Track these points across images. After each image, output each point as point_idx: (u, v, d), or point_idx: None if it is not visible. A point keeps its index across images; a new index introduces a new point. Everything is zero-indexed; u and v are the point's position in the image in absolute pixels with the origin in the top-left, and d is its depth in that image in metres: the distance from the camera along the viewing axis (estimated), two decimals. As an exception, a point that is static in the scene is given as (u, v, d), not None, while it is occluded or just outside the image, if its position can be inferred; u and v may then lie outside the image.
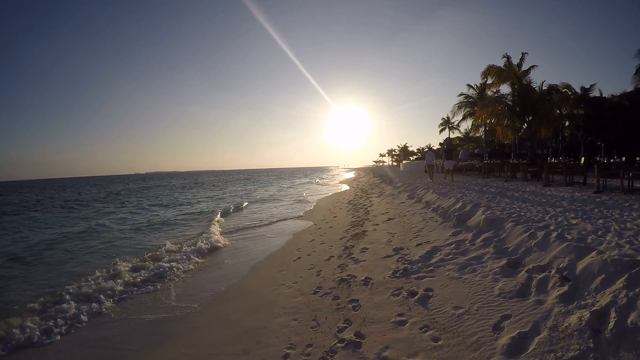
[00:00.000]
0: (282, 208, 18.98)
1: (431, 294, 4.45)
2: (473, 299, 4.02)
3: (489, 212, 7.75)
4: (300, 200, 23.04)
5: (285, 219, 14.59)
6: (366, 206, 14.40)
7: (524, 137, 20.94)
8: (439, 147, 78.76)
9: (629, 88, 28.47)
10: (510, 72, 27.99)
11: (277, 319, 4.58)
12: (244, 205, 21.10)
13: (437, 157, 32.14)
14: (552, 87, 24.21)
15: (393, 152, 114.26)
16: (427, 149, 69.00)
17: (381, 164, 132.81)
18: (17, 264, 9.59)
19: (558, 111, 20.36)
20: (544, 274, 4.11)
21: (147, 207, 24.26)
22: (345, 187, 32.47)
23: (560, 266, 4.11)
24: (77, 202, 31.97)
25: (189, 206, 23.08)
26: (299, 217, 14.61)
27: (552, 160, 17.96)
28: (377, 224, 10.00)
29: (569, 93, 25.47)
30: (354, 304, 4.56)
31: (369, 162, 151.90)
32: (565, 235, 5.06)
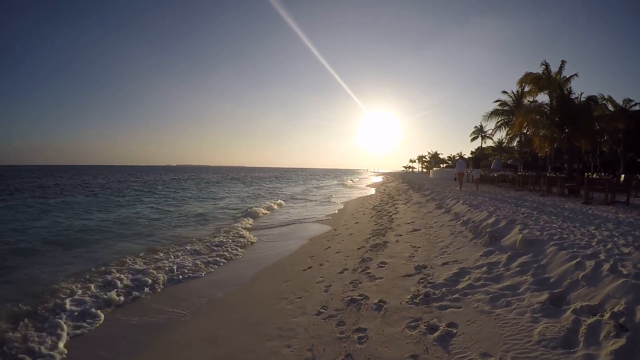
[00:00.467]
0: (305, 209, 18.54)
1: (455, 331, 3.76)
2: (506, 345, 3.33)
3: (526, 231, 7.04)
4: (325, 202, 22.65)
5: (305, 221, 14.13)
6: (391, 213, 13.76)
7: (561, 150, 19.79)
8: (470, 155, 77.25)
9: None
10: (548, 80, 26.92)
11: (268, 342, 4.05)
12: (269, 204, 20.73)
13: (467, 165, 30.98)
14: (591, 99, 22.82)
15: (423, 159, 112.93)
16: (458, 157, 67.62)
17: (411, 169, 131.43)
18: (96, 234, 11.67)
19: (597, 124, 19.08)
20: (594, 317, 3.42)
21: (180, 198, 25.92)
22: (372, 191, 31.91)
23: (616, 310, 3.42)
24: (116, 190, 33.12)
25: (219, 201, 23.44)
26: (319, 221, 14.08)
27: (593, 176, 16.99)
28: (401, 235, 9.37)
29: (610, 105, 24.15)
30: (360, 335, 3.94)
31: (398, 167, 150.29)
32: (620, 269, 4.31)
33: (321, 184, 48.61)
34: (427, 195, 18.66)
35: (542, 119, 18.35)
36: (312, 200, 23.96)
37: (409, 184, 32.31)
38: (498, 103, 31.61)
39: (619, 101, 25.11)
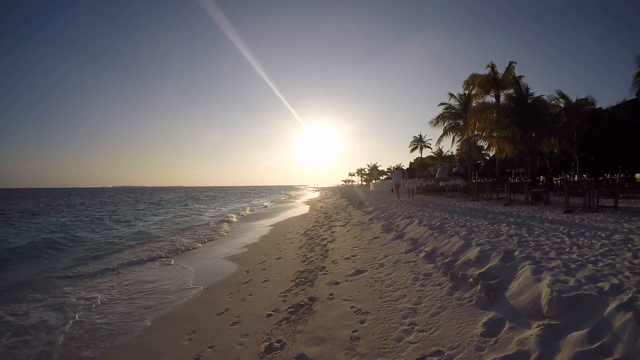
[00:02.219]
0: (220, 237, 14.71)
1: None
2: None
3: (548, 277, 4.07)
4: (251, 225, 19.00)
5: (211, 256, 10.57)
6: (326, 241, 10.58)
7: (522, 152, 17.52)
8: (409, 166, 76.57)
9: (622, 100, 26.27)
10: (495, 81, 25.20)
11: None
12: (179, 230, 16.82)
13: (403, 176, 28.72)
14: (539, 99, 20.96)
15: (363, 172, 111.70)
16: (395, 169, 66.63)
17: (350, 183, 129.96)
18: None
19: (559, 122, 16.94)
20: None
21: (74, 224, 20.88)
22: (308, 208, 28.59)
23: None
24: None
25: (109, 231, 18.36)
26: (229, 257, 10.41)
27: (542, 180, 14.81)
28: (337, 282, 6.18)
29: (563, 104, 22.53)
30: None
31: (338, 181, 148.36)
32: None
33: (255, 202, 44.78)
34: (371, 212, 15.69)
35: (502, 119, 15.96)
36: (234, 222, 20.34)
37: (349, 199, 29.34)
38: (444, 107, 29.47)
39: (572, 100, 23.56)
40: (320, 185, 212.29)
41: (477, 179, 18.22)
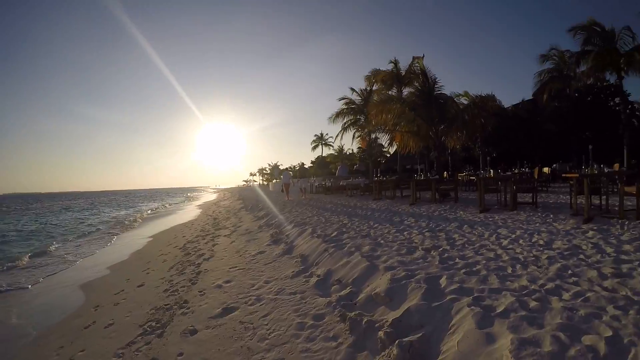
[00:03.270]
0: (82, 258, 11.82)
1: None
2: None
3: (509, 334, 2.49)
4: (129, 236, 16.11)
5: (61, 284, 7.98)
6: (203, 258, 8.48)
7: (427, 147, 16.60)
8: (311, 165, 76.13)
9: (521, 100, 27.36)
10: (398, 76, 24.49)
11: None
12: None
13: (293, 176, 28.14)
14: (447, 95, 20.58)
15: (264, 171, 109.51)
16: (283, 170, 66.12)
17: (251, 183, 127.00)
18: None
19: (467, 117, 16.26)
20: None
21: None
22: (200, 212, 25.99)
23: None
24: None
25: None
26: (82, 286, 7.77)
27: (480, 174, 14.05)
28: (195, 330, 4.22)
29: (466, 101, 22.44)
30: None
31: (240, 181, 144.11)
32: None
33: (149, 207, 40.80)
34: (261, 217, 13.81)
35: (407, 112, 14.83)
36: (109, 235, 17.28)
37: (244, 202, 27.06)
38: (344, 101, 28.25)
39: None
40: (222, 187, 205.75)
41: (379, 176, 17.09)
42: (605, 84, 24.32)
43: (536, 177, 9.62)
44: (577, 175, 7.82)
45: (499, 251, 5.04)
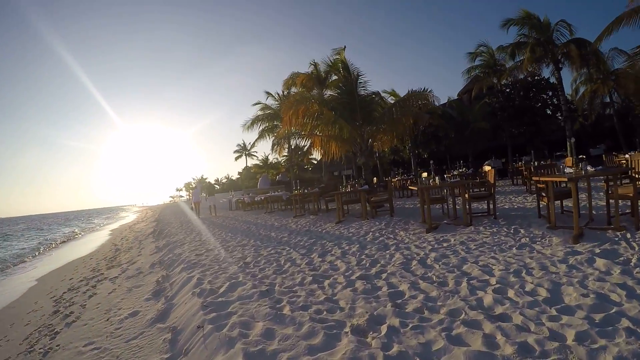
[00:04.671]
0: None
1: None
2: None
3: None
4: (11, 281, 12.65)
5: None
6: (67, 319, 5.85)
7: (352, 152, 14.34)
8: (238, 176, 73.07)
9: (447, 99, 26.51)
10: (318, 79, 22.39)
11: None
12: None
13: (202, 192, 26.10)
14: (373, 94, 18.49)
15: (190, 185, 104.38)
16: (195, 186, 63.33)
17: (178, 198, 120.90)
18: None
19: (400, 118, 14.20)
20: None
21: None
22: (109, 238, 22.82)
23: None
24: None
25: None
26: None
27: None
28: None
29: (394, 99, 20.77)
30: None
31: (167, 197, 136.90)
32: None
33: (55, 235, 35.92)
34: (161, 249, 11.09)
35: (327, 112, 12.45)
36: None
37: (158, 224, 23.75)
38: (259, 107, 25.57)
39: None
40: (149, 204, 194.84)
41: (299, 189, 14.71)
42: (537, 77, 23.72)
43: (491, 179, 7.59)
44: (553, 176, 5.90)
45: (489, 325, 2.80)
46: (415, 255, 5.43)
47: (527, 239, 5.59)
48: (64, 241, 27.95)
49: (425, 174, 14.19)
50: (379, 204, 10.71)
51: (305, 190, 14.38)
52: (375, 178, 20.07)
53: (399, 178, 17.60)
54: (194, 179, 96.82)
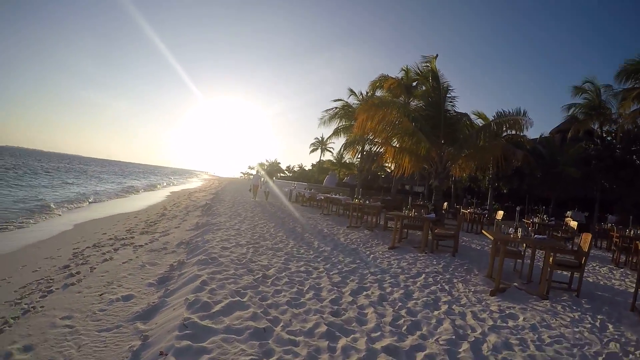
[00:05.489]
0: None
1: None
2: None
3: None
4: (65, 222, 13.04)
5: None
6: (68, 279, 5.47)
7: (427, 170, 12.87)
8: (311, 168, 72.80)
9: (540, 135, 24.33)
10: (403, 86, 21.00)
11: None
12: None
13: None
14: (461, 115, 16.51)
15: (264, 167, 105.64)
16: (255, 172, 64.00)
17: (249, 176, 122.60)
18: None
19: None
20: None
21: None
22: (164, 200, 24.66)
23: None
24: None
25: None
26: None
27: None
28: None
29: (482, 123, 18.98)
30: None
31: (239, 172, 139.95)
32: None
33: (128, 184, 38.22)
34: (199, 227, 10.44)
35: (407, 122, 11.05)
36: (47, 213, 14.11)
37: (215, 197, 23.54)
38: (340, 103, 24.56)
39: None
40: (219, 175, 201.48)
41: (360, 198, 13.48)
42: None
43: (586, 247, 6.06)
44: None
45: None
46: (469, 332, 4.10)
47: (618, 344, 4.12)
48: (126, 192, 29.27)
49: (500, 214, 12.52)
50: (441, 238, 9.28)
51: (367, 202, 13.16)
52: (446, 203, 18.41)
53: (471, 210, 15.82)
54: (267, 161, 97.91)
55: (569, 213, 21.53)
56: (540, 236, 6.08)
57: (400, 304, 4.84)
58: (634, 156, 21.23)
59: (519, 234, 6.05)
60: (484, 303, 5.27)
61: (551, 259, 6.02)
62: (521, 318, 4.75)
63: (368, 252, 8.29)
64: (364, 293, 5.16)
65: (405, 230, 10.75)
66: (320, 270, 6.22)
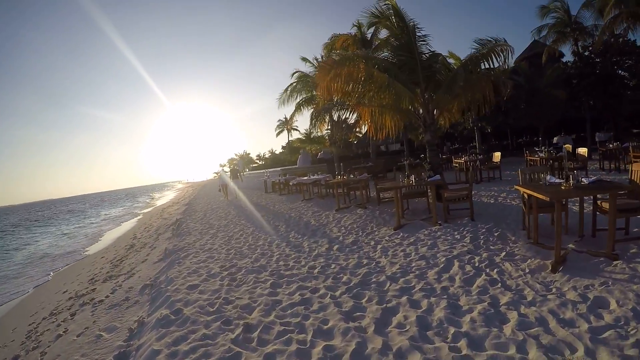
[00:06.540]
0: None
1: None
2: None
3: None
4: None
5: None
6: None
7: (405, 125, 11.20)
8: (282, 150, 71.21)
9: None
10: (358, 42, 19.37)
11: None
12: None
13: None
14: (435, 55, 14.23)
15: (233, 162, 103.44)
16: (220, 168, 62.44)
17: (219, 174, 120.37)
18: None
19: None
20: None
21: None
22: (134, 225, 22.75)
23: None
24: None
25: None
26: None
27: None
28: None
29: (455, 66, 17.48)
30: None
31: (211, 173, 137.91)
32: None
33: (88, 221, 35.42)
34: (167, 256, 8.75)
35: (378, 74, 9.16)
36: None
37: (188, 207, 21.48)
38: (296, 75, 22.42)
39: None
40: (194, 180, 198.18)
41: (343, 174, 11.88)
42: (621, 39, 19.61)
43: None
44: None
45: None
46: (569, 355, 2.57)
47: None
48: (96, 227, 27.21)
49: (498, 155, 11.08)
50: (453, 201, 7.72)
51: (352, 176, 11.55)
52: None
53: (465, 158, 14.42)
54: (235, 155, 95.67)
55: (556, 139, 20.51)
56: (591, 179, 4.54)
57: (452, 329, 3.23)
58: (618, 69, 20.19)
59: (571, 183, 4.50)
60: (554, 290, 3.74)
61: (604, 204, 4.54)
62: (613, 304, 3.24)
63: (373, 243, 6.69)
64: (394, 322, 3.52)
65: (406, 204, 9.21)
66: (320, 292, 4.57)
